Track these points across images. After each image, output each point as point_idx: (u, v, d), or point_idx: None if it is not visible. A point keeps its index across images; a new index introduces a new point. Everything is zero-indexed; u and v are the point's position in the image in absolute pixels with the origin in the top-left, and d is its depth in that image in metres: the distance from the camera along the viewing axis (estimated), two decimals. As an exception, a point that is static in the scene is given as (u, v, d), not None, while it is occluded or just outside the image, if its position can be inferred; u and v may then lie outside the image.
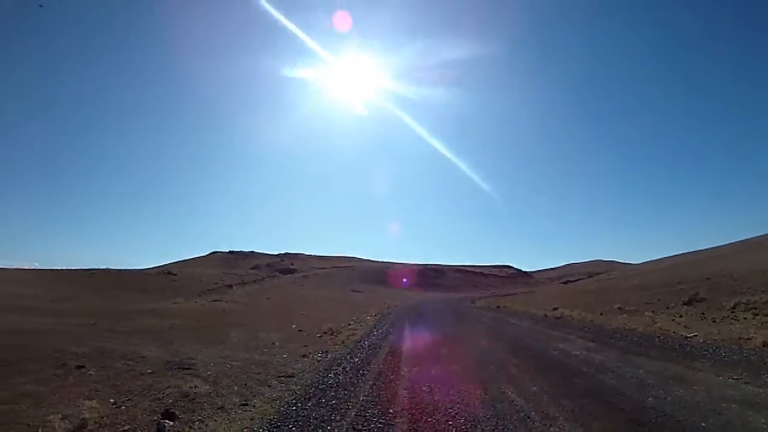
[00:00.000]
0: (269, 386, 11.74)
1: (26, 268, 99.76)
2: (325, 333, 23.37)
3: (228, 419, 8.87)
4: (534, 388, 10.76)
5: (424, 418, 8.77)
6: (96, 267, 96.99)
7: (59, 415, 7.76)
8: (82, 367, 12.34)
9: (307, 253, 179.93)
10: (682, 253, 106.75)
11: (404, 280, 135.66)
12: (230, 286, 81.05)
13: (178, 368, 13.01)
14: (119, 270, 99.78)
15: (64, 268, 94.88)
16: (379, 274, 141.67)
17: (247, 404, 9.96)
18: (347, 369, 13.87)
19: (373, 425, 8.36)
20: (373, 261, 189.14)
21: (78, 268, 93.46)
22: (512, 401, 9.74)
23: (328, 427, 8.26)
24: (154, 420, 8.23)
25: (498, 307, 51.00)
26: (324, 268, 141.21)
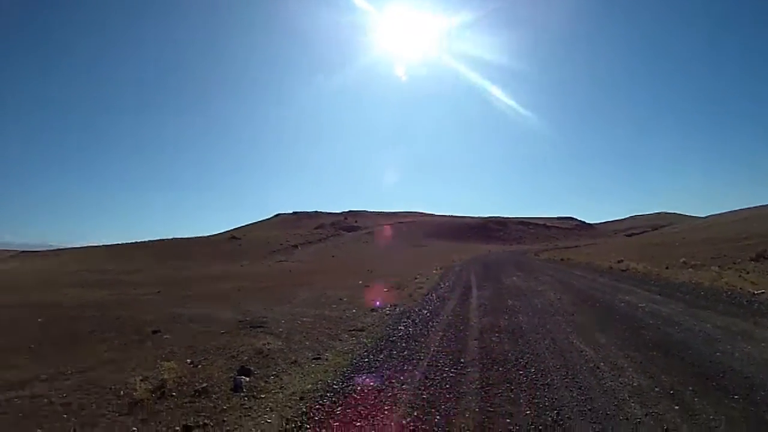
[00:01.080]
0: (340, 340, 12.02)
1: (97, 245, 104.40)
2: (392, 287, 23.62)
3: (302, 372, 9.15)
4: (602, 340, 10.74)
5: (495, 367, 8.83)
6: (164, 237, 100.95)
7: (139, 377, 8.18)
8: (158, 331, 13.03)
9: (370, 210, 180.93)
10: (749, 208, 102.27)
11: (467, 233, 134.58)
12: (295, 247, 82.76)
13: (250, 327, 13.48)
14: (187, 238, 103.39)
15: (135, 241, 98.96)
16: (442, 228, 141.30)
17: (319, 358, 10.24)
18: (416, 321, 13.99)
19: (445, 374, 8.46)
20: (437, 215, 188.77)
21: (148, 240, 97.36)
22: (581, 351, 9.75)
23: (401, 377, 8.40)
24: (231, 377, 8.57)
25: (562, 259, 50.62)
26: (388, 224, 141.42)
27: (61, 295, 24.98)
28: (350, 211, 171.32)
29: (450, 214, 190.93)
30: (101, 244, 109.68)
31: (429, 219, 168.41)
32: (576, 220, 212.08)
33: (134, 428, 6.47)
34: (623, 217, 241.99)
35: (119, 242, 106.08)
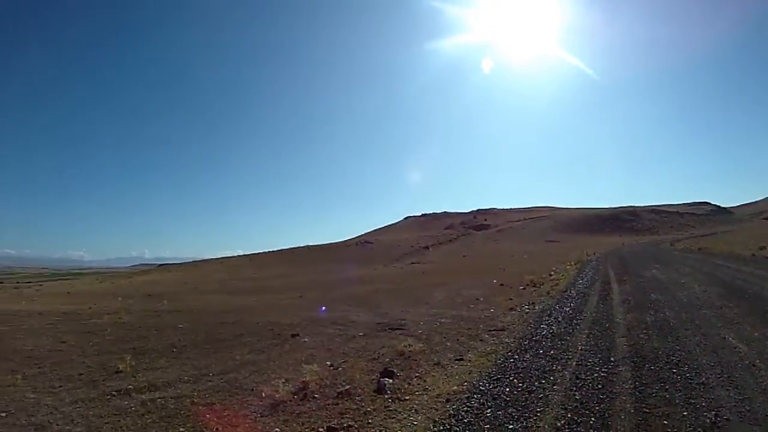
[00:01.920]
0: (481, 340, 11.65)
1: (239, 254, 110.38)
2: (528, 285, 22.87)
3: (445, 374, 8.89)
4: (755, 334, 9.92)
5: (647, 366, 8.34)
6: (298, 245, 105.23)
7: (282, 380, 8.27)
8: (297, 335, 13.28)
9: (499, 208, 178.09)
10: None
11: (598, 225, 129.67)
12: (426, 248, 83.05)
13: (389, 329, 13.44)
14: (321, 245, 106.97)
15: (273, 249, 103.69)
16: (573, 222, 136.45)
17: (462, 359, 9.93)
18: (559, 319, 13.40)
19: (596, 374, 8.03)
20: (567, 209, 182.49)
21: (284, 248, 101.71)
22: (734, 348, 9.05)
23: (551, 378, 8.00)
24: (373, 379, 8.47)
25: (699, 248, 47.53)
26: (518, 221, 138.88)
27: (204, 302, 26.41)
28: (479, 210, 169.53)
29: (580, 206, 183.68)
30: (238, 254, 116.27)
31: (559, 213, 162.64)
32: (710, 204, 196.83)
33: (277, 429, 6.49)
34: (760, 198, 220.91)
35: (257, 251, 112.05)
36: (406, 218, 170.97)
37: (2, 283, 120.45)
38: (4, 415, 7.88)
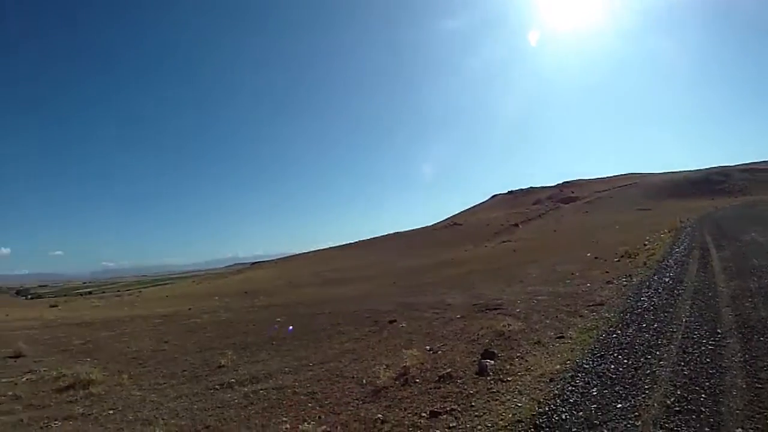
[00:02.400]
0: (581, 316, 11.19)
1: (330, 246, 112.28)
2: (623, 257, 21.83)
3: (547, 353, 8.55)
4: None
5: (756, 337, 7.79)
6: (389, 232, 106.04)
7: (383, 366, 8.20)
8: (394, 321, 13.22)
9: (585, 178, 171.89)
10: None
11: (688, 189, 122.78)
12: (516, 225, 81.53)
13: (486, 309, 13.13)
14: (411, 230, 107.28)
15: (366, 238, 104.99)
16: (663, 187, 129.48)
17: (562, 336, 9.53)
18: (659, 290, 12.67)
19: (703, 347, 7.57)
20: (656, 174, 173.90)
21: (377, 236, 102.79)
22: None
23: (657, 353, 7.58)
24: (474, 361, 8.25)
25: None
26: (606, 190, 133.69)
27: (299, 295, 26.86)
28: (565, 183, 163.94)
29: (668, 170, 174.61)
30: (328, 246, 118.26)
31: (647, 179, 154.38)
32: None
33: (379, 415, 6.39)
34: None
35: (347, 242, 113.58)
36: (493, 197, 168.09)
37: (104, 293, 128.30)
38: (111, 412, 8.24)
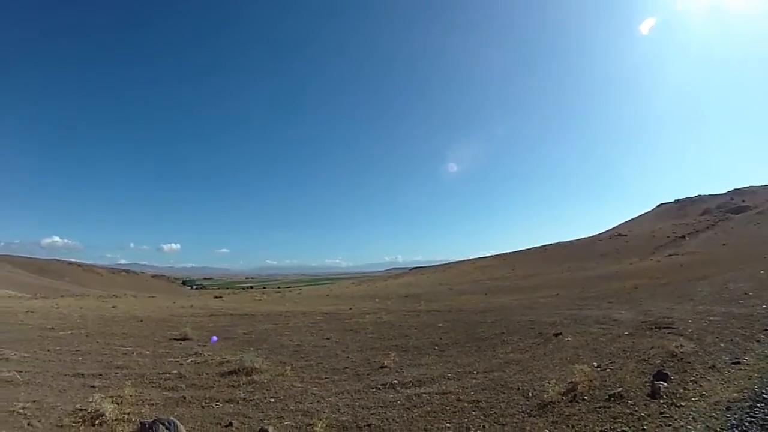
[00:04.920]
0: (757, 341, 10.00)
1: (490, 255, 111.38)
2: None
3: (722, 379, 7.71)
4: None
5: None
6: (549, 242, 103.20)
7: (550, 380, 7.87)
8: (559, 334, 12.70)
9: (757, 185, 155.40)
10: None
11: None
12: (682, 237, 76.23)
13: (655, 327, 12.22)
14: (571, 241, 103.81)
15: (523, 248, 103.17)
16: None
17: (738, 362, 8.55)
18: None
19: None
20: None
21: (535, 246, 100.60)
22: None
23: None
24: (645, 381, 7.66)
25: None
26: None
27: (460, 301, 26.74)
28: (735, 190, 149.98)
29: None
30: (489, 254, 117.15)
31: None
32: None
33: (546, 431, 6.08)
34: None
35: (508, 251, 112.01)
36: (658, 206, 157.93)
37: (265, 288, 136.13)
38: (273, 400, 8.58)
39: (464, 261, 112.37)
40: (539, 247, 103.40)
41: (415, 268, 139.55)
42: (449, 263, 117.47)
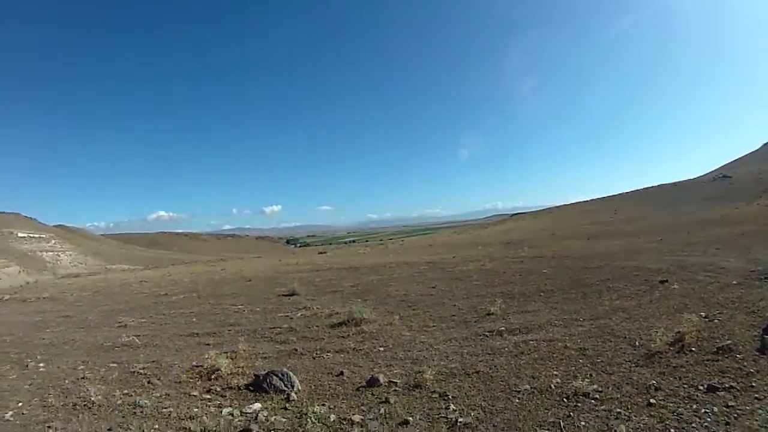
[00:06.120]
0: None
1: (591, 199, 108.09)
2: None
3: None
4: None
5: None
6: (650, 185, 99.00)
7: (657, 329, 7.74)
8: (665, 281, 12.46)
9: None
10: None
11: None
12: (793, 179, 70.58)
13: (764, 278, 11.57)
14: (674, 183, 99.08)
15: (625, 191, 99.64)
16: None
17: None
18: None
19: None
20: None
21: (637, 188, 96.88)
22: None
23: None
24: (754, 335, 7.38)
25: None
26: None
27: (563, 247, 26.37)
28: None
29: None
30: (589, 198, 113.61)
31: None
32: None
33: (653, 381, 6.08)
34: None
35: (609, 194, 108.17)
36: (765, 144, 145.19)
37: (367, 242, 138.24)
38: (382, 349, 8.96)
39: (565, 205, 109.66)
40: (641, 189, 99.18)
41: (516, 214, 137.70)
42: (550, 208, 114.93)
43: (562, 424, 5.19)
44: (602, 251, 21.87)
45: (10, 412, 7.05)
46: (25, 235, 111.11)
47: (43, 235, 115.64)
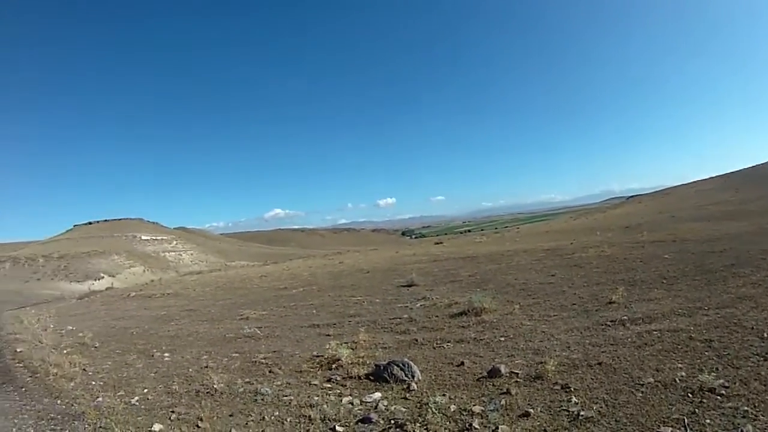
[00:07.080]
0: None
1: (711, 177, 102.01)
2: None
3: None
4: None
5: None
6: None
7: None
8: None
9: None
10: None
11: None
12: None
13: None
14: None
15: (747, 167, 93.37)
16: None
17: None
18: None
19: None
20: None
21: (756, 164, 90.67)
22: None
23: None
24: None
25: None
26: None
27: (684, 230, 25.23)
28: None
29: None
30: (708, 176, 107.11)
31: None
32: None
33: None
34: None
35: (726, 172, 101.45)
36: None
37: (482, 230, 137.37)
38: (503, 339, 9.07)
39: (682, 185, 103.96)
40: (764, 164, 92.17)
41: (633, 196, 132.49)
42: (666, 189, 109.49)
43: (686, 421, 5.08)
44: (725, 234, 20.72)
45: (137, 398, 7.89)
46: (149, 237, 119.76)
47: (165, 237, 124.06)
